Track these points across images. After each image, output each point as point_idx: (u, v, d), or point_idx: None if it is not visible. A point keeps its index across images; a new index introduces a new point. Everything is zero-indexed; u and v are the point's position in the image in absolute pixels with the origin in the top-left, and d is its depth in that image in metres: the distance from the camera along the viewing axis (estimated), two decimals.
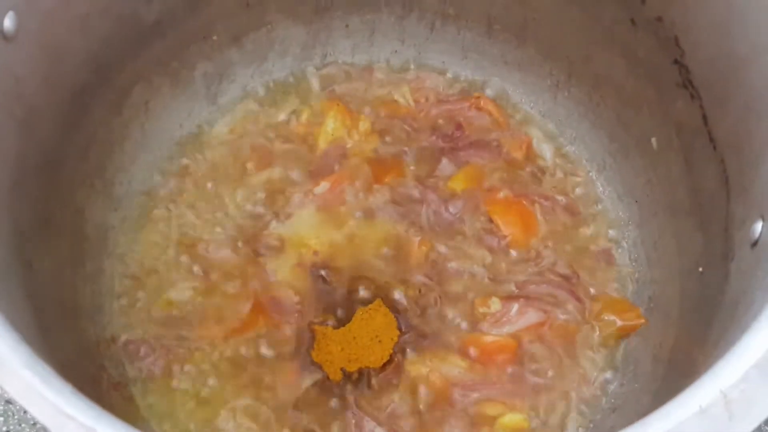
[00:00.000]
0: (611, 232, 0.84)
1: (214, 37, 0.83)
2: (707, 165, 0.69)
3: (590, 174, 0.87)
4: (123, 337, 0.76)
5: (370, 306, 0.78)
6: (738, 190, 0.64)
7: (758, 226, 0.58)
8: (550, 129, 0.89)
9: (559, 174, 0.87)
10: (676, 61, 0.71)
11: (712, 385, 0.42)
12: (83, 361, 0.71)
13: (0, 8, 0.58)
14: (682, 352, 0.69)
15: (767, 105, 0.59)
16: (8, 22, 0.59)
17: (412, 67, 0.92)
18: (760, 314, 0.46)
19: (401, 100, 0.90)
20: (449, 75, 0.92)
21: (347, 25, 0.89)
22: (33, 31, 0.62)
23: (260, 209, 0.82)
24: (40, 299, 0.62)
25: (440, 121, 0.88)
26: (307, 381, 0.74)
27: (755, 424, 0.41)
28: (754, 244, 0.58)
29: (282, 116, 0.88)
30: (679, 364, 0.68)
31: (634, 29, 0.74)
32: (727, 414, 0.41)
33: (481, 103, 0.89)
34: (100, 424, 0.40)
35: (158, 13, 0.76)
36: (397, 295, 0.79)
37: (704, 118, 0.69)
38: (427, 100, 0.90)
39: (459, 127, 0.88)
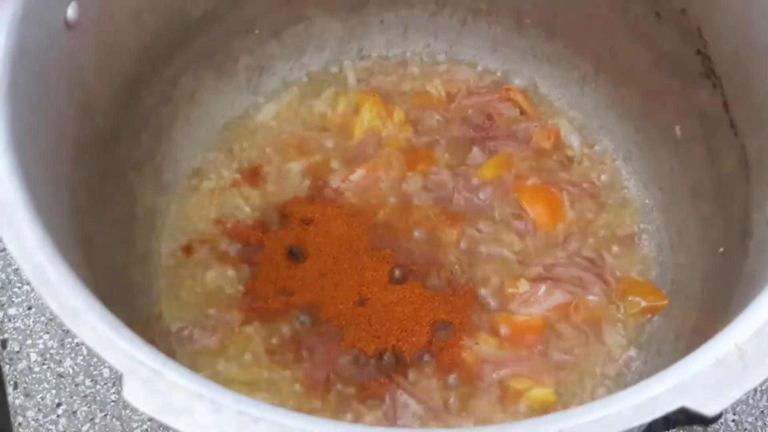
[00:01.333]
0: (636, 218, 0.87)
1: (256, 32, 0.88)
2: (729, 150, 0.72)
3: (616, 162, 0.90)
4: (175, 324, 0.80)
5: (404, 286, 0.81)
6: (757, 173, 0.67)
7: None
8: (578, 120, 0.92)
9: (586, 163, 0.90)
10: (699, 52, 0.74)
11: (728, 340, 0.46)
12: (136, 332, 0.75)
13: None
14: (703, 329, 0.71)
15: None
16: (71, 12, 0.63)
17: (444, 60, 0.96)
18: None
19: (433, 92, 0.93)
20: (480, 68, 0.95)
21: (382, 21, 0.93)
22: (92, 22, 0.66)
23: (297, 193, 0.87)
24: (99, 273, 0.66)
25: (471, 112, 0.92)
26: (345, 357, 0.78)
27: None
28: None
29: (320, 107, 0.92)
30: (699, 341, 0.70)
31: (659, 22, 0.77)
32: (742, 364, 0.45)
33: (511, 94, 0.93)
34: (165, 368, 0.44)
35: (204, 8, 0.80)
36: (431, 276, 0.82)
37: (725, 105, 0.72)
38: (458, 92, 0.94)
39: (489, 117, 0.91)
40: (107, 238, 0.72)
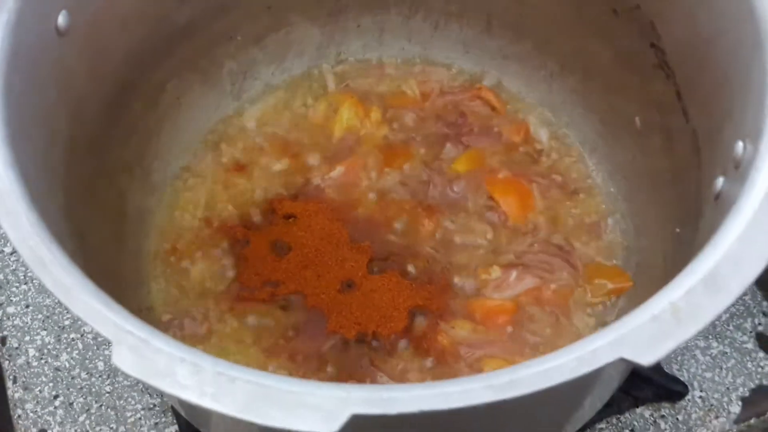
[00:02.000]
0: (602, 206, 0.91)
1: (239, 38, 0.92)
2: (682, 137, 0.76)
3: (583, 154, 0.94)
4: (166, 316, 0.84)
5: (383, 275, 0.86)
6: (706, 155, 0.71)
7: (719, 182, 0.65)
8: (546, 115, 0.97)
9: (554, 155, 0.95)
10: (652, 45, 0.78)
11: (663, 299, 0.50)
12: None
13: (55, 6, 0.67)
14: None
15: (727, 78, 0.67)
16: (61, 19, 0.68)
17: (418, 62, 1.01)
18: (708, 244, 0.54)
19: (409, 92, 0.98)
20: (453, 69, 1.00)
21: (359, 26, 0.98)
22: (82, 29, 0.70)
23: (281, 190, 0.91)
24: (92, 267, 0.70)
25: (444, 110, 0.97)
26: (328, 342, 0.83)
27: (699, 328, 0.49)
28: (716, 197, 0.65)
29: (301, 109, 0.97)
30: None
31: (616, 19, 0.82)
32: (675, 320, 0.49)
33: (482, 93, 0.97)
34: (150, 336, 0.49)
35: (188, 15, 0.85)
36: (409, 266, 0.87)
37: (678, 94, 0.76)
38: (432, 91, 0.98)
39: (462, 115, 0.96)
40: (100, 234, 0.76)
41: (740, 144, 0.61)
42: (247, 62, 0.95)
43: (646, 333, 0.49)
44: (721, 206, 0.63)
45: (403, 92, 0.98)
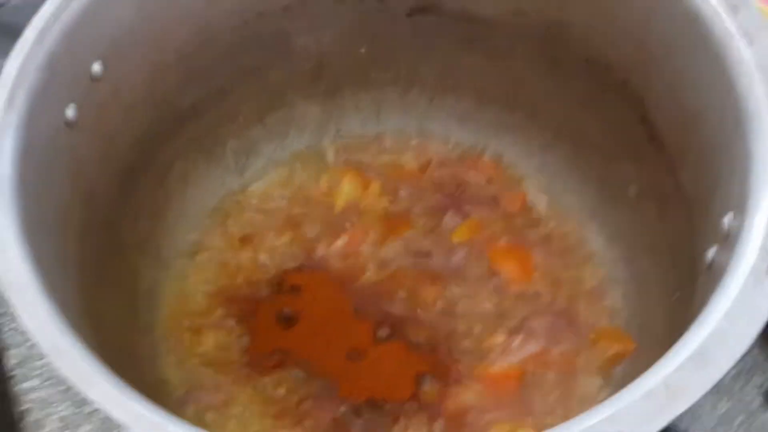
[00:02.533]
0: (602, 271, 0.93)
1: (241, 118, 0.95)
2: (674, 209, 0.78)
3: (581, 220, 0.96)
4: (180, 390, 0.86)
5: (389, 343, 0.88)
6: (699, 225, 0.74)
7: (711, 252, 0.67)
8: (543, 183, 0.99)
9: (553, 222, 0.96)
10: (642, 119, 0.81)
11: (656, 375, 0.52)
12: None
13: (64, 101, 0.70)
14: None
15: (713, 152, 0.69)
16: (70, 112, 0.71)
17: (415, 135, 1.03)
18: (699, 317, 0.56)
19: (407, 165, 1.01)
20: (449, 140, 1.02)
21: (356, 105, 1.01)
22: (90, 120, 0.73)
23: (286, 262, 0.94)
24: (108, 348, 0.73)
25: (443, 181, 0.99)
26: (339, 409, 0.84)
27: (690, 403, 0.51)
28: (709, 266, 0.67)
29: (303, 183, 1.00)
30: None
31: (603, 94, 0.85)
32: (667, 396, 0.51)
33: (479, 163, 1.00)
34: (166, 420, 0.51)
35: (191, 100, 0.88)
36: (413, 333, 0.89)
37: (669, 167, 0.79)
38: (430, 162, 1.01)
39: (460, 185, 0.99)
40: (114, 312, 0.78)
41: (728, 216, 0.64)
42: (249, 140, 0.98)
43: (640, 409, 0.51)
44: (713, 275, 0.65)
45: (401, 165, 1.01)
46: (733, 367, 0.53)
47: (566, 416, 0.84)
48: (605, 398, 0.83)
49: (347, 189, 0.98)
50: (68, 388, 0.93)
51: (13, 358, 0.94)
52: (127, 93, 0.78)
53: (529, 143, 0.99)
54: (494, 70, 0.94)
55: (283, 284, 0.92)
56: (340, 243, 0.94)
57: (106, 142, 0.77)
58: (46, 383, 0.93)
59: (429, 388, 0.85)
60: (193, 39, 0.82)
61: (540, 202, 0.98)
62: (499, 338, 0.88)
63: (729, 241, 0.63)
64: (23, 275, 0.57)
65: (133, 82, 0.79)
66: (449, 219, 0.96)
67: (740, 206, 0.62)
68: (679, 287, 0.78)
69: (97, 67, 0.73)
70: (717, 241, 0.67)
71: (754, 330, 0.54)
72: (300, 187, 1.00)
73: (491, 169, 1.00)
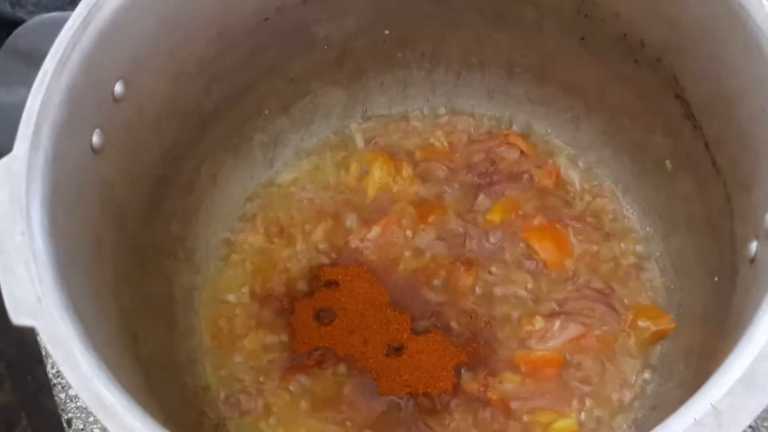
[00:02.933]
0: (639, 247, 0.92)
1: (266, 112, 0.94)
2: (713, 186, 0.77)
3: (616, 194, 0.95)
4: (222, 393, 0.87)
5: (428, 335, 0.88)
6: (738, 211, 0.72)
7: (753, 246, 0.66)
8: (576, 156, 0.98)
9: (588, 197, 0.95)
10: (677, 96, 0.79)
11: (704, 400, 0.51)
12: (186, 408, 0.82)
13: (88, 128, 0.69)
14: (708, 350, 0.77)
15: (752, 137, 0.67)
16: (96, 139, 0.70)
17: (444, 112, 1.02)
18: (746, 332, 0.55)
19: (437, 144, 0.99)
20: (479, 116, 1.01)
21: (382, 83, 0.99)
22: (116, 142, 0.72)
23: (321, 256, 0.93)
24: (147, 362, 0.74)
25: (474, 159, 0.98)
26: (381, 405, 0.85)
27: (741, 428, 0.50)
28: (752, 261, 0.66)
29: (333, 171, 0.99)
30: (706, 361, 0.76)
31: (638, 68, 0.82)
32: (717, 423, 0.50)
33: (510, 139, 0.98)
34: None
35: (216, 102, 0.86)
36: (452, 322, 0.89)
37: (706, 145, 0.77)
38: (460, 141, 0.99)
39: (492, 163, 0.97)
40: (151, 328, 0.79)
41: None
42: (276, 132, 0.97)
43: None
44: (756, 274, 0.64)
45: (431, 145, 0.99)
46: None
47: (608, 402, 0.84)
48: (646, 381, 0.84)
49: (378, 175, 0.96)
50: None
51: (54, 366, 0.96)
52: (151, 109, 0.77)
53: (562, 115, 0.97)
54: (524, 44, 0.92)
55: (318, 280, 0.91)
56: (373, 234, 0.93)
57: (133, 161, 0.76)
58: None
59: (470, 378, 0.85)
60: (213, 45, 0.80)
61: (574, 176, 0.96)
62: (538, 324, 0.87)
63: None
64: (62, 325, 0.57)
65: (155, 96, 0.77)
66: (482, 200, 0.95)
67: None
68: (719, 271, 0.77)
69: (119, 88, 0.72)
70: (759, 237, 0.65)
71: None
72: (330, 176, 0.99)
73: (523, 144, 0.98)
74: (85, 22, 0.68)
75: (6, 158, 0.62)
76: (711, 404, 0.51)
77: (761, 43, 0.64)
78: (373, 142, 1.00)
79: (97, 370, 0.56)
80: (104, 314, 0.67)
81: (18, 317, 0.57)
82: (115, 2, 0.69)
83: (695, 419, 0.51)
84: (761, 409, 0.51)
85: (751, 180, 0.68)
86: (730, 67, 0.69)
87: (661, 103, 0.82)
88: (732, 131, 0.71)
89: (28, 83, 0.70)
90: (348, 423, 0.85)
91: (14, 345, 1.17)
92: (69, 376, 0.55)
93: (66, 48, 0.67)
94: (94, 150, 0.70)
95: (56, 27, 0.70)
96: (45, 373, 0.98)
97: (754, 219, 0.67)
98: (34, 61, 0.70)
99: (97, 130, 0.70)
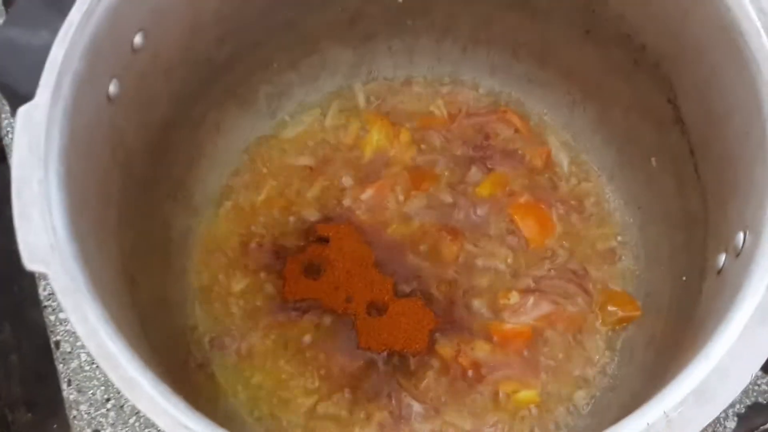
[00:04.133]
0: (617, 233, 0.97)
1: (275, 65, 0.96)
2: (693, 191, 0.81)
3: (601, 181, 0.99)
4: (207, 336, 0.91)
5: (408, 299, 0.92)
6: (712, 221, 0.76)
7: (722, 258, 0.70)
8: (568, 140, 1.01)
9: (574, 181, 0.99)
10: (669, 101, 0.82)
11: (658, 407, 0.56)
12: (174, 347, 0.87)
13: (107, 78, 0.72)
14: (668, 342, 0.82)
15: (735, 155, 0.71)
16: (112, 88, 0.72)
17: (447, 81, 1.05)
18: (704, 347, 0.59)
19: (437, 112, 1.02)
20: (479, 90, 1.04)
21: (390, 47, 1.01)
22: (130, 91, 0.75)
23: (314, 211, 0.97)
24: (141, 304, 0.78)
25: (470, 132, 1.01)
26: (359, 360, 0.90)
27: None
28: (719, 272, 0.70)
29: (334, 129, 1.02)
30: (665, 351, 0.81)
31: (636, 68, 0.85)
32: (668, 430, 0.55)
33: (507, 116, 1.01)
34: (207, 429, 0.56)
35: (227, 53, 0.88)
36: (432, 288, 0.93)
37: (691, 152, 0.81)
38: (459, 112, 1.02)
39: (487, 137, 1.01)
40: (148, 270, 0.83)
41: (743, 233, 0.66)
42: (282, 85, 0.99)
43: None
44: (722, 287, 0.68)
45: (431, 112, 1.02)
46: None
47: (570, 378, 0.90)
48: (607, 362, 0.90)
49: (376, 138, 1.00)
50: None
51: (47, 288, 1.00)
52: (165, 58, 0.79)
53: (558, 99, 1.01)
54: (531, 28, 0.95)
55: (310, 234, 0.95)
56: (366, 194, 0.97)
57: (144, 109, 0.79)
58: None
59: (445, 344, 0.90)
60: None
61: (563, 159, 1.00)
62: (513, 298, 0.92)
63: (740, 260, 0.66)
64: (72, 276, 0.60)
65: (171, 46, 0.80)
66: (474, 173, 0.99)
67: (754, 229, 0.64)
68: (688, 272, 0.81)
69: (138, 39, 0.74)
70: (728, 251, 0.69)
71: (754, 367, 0.58)
72: (330, 133, 1.02)
73: (518, 122, 1.01)
74: None
75: (27, 106, 0.65)
76: (664, 411, 0.56)
77: (752, 70, 0.67)
78: (375, 104, 1.03)
79: (103, 322, 0.59)
80: (108, 260, 0.71)
81: (31, 263, 0.60)
82: None
83: (648, 424, 0.56)
84: (709, 420, 0.56)
85: (729, 195, 0.72)
86: (722, 87, 0.72)
87: (654, 104, 0.85)
88: (717, 145, 0.75)
89: (50, 26, 0.72)
90: (324, 375, 0.89)
91: (1, 254, 1.20)
92: (77, 326, 0.59)
93: (92, 0, 0.69)
94: (109, 99, 0.73)
95: None
96: (32, 285, 1.02)
97: (726, 233, 0.71)
98: (58, 4, 0.72)
99: (114, 80, 0.73)
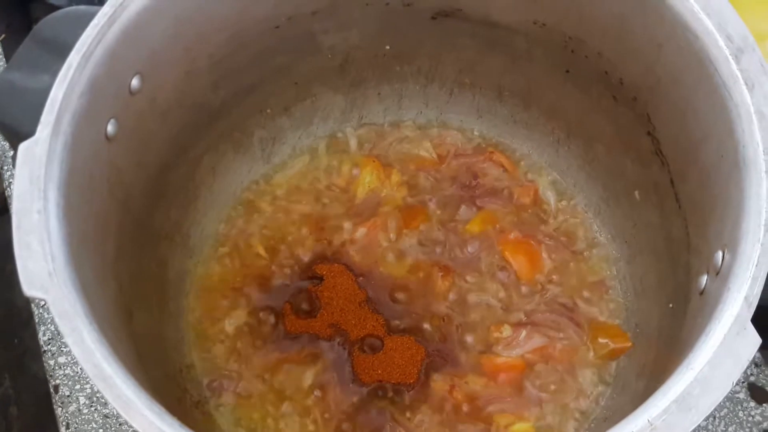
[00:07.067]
0: (605, 267, 0.99)
1: (268, 110, 1.00)
2: (675, 220, 0.83)
3: (588, 216, 1.01)
4: (206, 379, 0.93)
5: (402, 336, 0.94)
6: (694, 245, 0.78)
7: (704, 279, 0.72)
8: (554, 178, 1.04)
9: (561, 217, 1.02)
10: (649, 133, 0.85)
11: (643, 415, 0.58)
12: (170, 384, 0.88)
13: (105, 118, 0.75)
14: (659, 369, 0.83)
15: (710, 180, 0.74)
16: (111, 128, 0.75)
17: (435, 125, 1.08)
18: (687, 358, 0.61)
19: (425, 154, 1.05)
20: (467, 132, 1.07)
21: (379, 93, 1.05)
22: (128, 131, 0.77)
23: (309, 251, 0.99)
24: (139, 337, 0.79)
25: (460, 171, 1.04)
26: (354, 397, 0.91)
27: None
28: (701, 293, 0.72)
29: (326, 171, 1.04)
30: (657, 378, 0.82)
31: (616, 104, 0.88)
32: None
33: (494, 156, 1.04)
34: None
35: (223, 98, 0.92)
36: (425, 324, 0.95)
37: (671, 182, 0.83)
38: (448, 153, 1.05)
39: (475, 177, 1.03)
40: (145, 305, 0.85)
41: (721, 252, 0.68)
42: (275, 129, 1.02)
43: None
44: (703, 305, 0.70)
45: (420, 155, 1.05)
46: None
47: (564, 409, 0.91)
48: (600, 393, 0.91)
49: (368, 179, 1.02)
50: None
51: (46, 333, 1.02)
52: (162, 101, 0.82)
53: (543, 138, 1.04)
54: (514, 70, 0.98)
55: (305, 274, 0.97)
56: (359, 234, 0.99)
57: (141, 149, 0.82)
58: (76, 360, 1.00)
59: (439, 378, 0.92)
60: (225, 45, 0.86)
61: (550, 196, 1.02)
62: (506, 332, 0.94)
63: (720, 277, 0.68)
64: (70, 301, 0.62)
65: (167, 90, 0.83)
66: (464, 211, 1.01)
67: (731, 247, 0.67)
68: (674, 299, 0.83)
69: (135, 82, 0.77)
70: (709, 272, 0.71)
71: (735, 375, 0.59)
72: (323, 175, 1.04)
73: (506, 161, 1.04)
74: (111, 20, 0.73)
75: (28, 141, 0.67)
76: (648, 420, 0.58)
77: (723, 95, 0.70)
78: (366, 147, 1.06)
79: (99, 344, 0.61)
80: (105, 290, 0.73)
81: (30, 289, 0.62)
82: (139, 2, 0.74)
83: (632, 430, 0.57)
84: (692, 427, 0.57)
85: (707, 218, 0.74)
86: (696, 113, 0.75)
87: (634, 137, 0.88)
88: (694, 172, 0.77)
89: (50, 70, 0.76)
90: (320, 408, 0.91)
91: (3, 307, 1.22)
92: (74, 348, 0.61)
93: (91, 43, 0.72)
94: (107, 138, 0.75)
95: (80, 19, 0.76)
96: (33, 338, 1.03)
97: (707, 254, 0.73)
98: (58, 50, 0.76)
99: (112, 120, 0.75)
